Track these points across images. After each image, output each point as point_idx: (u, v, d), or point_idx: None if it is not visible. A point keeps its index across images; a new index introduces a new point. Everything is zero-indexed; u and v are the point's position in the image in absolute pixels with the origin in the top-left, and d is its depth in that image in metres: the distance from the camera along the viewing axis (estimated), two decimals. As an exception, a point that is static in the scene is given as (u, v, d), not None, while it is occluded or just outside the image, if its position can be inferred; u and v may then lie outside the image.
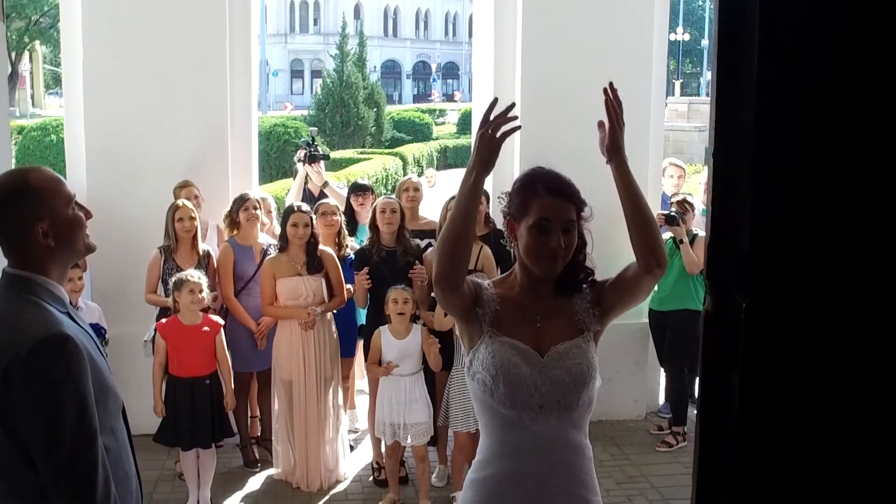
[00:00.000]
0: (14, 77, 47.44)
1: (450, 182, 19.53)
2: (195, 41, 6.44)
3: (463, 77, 78.86)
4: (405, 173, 25.63)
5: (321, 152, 7.45)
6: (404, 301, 5.36)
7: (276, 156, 24.54)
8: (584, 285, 2.57)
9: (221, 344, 5.46)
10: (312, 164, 7.28)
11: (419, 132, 34.04)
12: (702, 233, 6.53)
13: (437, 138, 33.80)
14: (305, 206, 5.75)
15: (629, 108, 7.13)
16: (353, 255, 6.12)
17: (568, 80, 6.71)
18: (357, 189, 6.97)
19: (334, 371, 5.75)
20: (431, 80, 71.34)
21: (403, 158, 26.06)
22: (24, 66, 48.15)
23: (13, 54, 47.06)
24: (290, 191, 7.54)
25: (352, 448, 6.31)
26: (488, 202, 6.32)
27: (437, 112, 44.77)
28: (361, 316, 6.42)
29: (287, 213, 5.64)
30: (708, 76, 63.52)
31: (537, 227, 2.43)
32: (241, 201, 5.90)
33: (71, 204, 2.23)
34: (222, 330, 5.46)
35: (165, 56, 6.40)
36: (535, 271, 2.50)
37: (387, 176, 23.39)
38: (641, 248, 2.44)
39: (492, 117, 2.33)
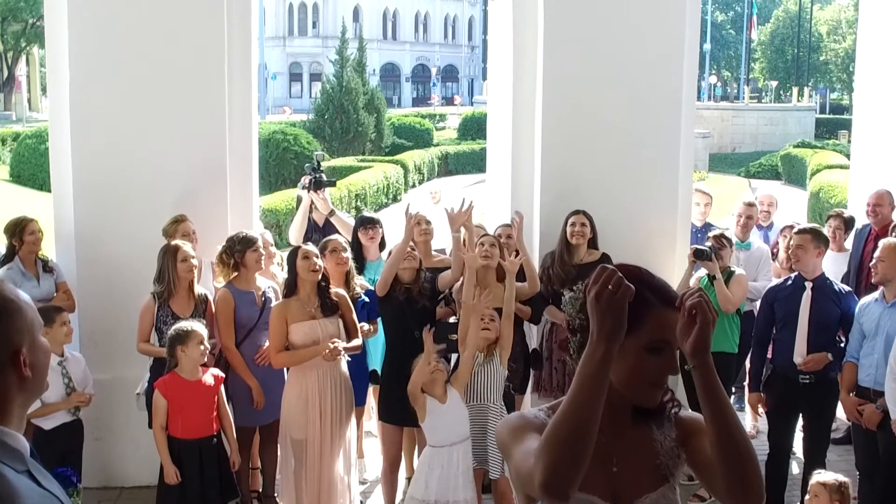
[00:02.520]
0: (10, 81, 47.11)
1: (453, 194, 19.09)
2: (190, 51, 5.96)
3: (462, 80, 78.60)
4: (406, 181, 25.24)
5: (326, 178, 6.96)
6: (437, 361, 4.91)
7: (276, 163, 24.16)
8: (670, 415, 2.08)
9: (223, 398, 5.06)
10: (318, 192, 6.80)
11: (420, 138, 33.64)
12: (739, 270, 6.06)
13: (437, 144, 33.37)
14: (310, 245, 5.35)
15: (658, 119, 6.74)
16: (364, 297, 5.71)
17: (593, 91, 6.29)
18: (365, 223, 6.44)
19: (349, 427, 5.31)
20: (431, 84, 70.95)
21: (404, 166, 25.63)
22: (21, 69, 47.72)
23: (10, 57, 46.69)
24: (293, 221, 7.01)
25: (361, 504, 5.86)
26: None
27: (438, 117, 44.37)
28: (373, 360, 5.98)
29: (293, 254, 5.16)
30: (710, 80, 63.13)
31: (651, 349, 1.94)
32: (248, 242, 5.38)
33: (42, 328, 1.81)
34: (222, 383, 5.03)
35: (158, 68, 5.92)
36: (635, 401, 2.01)
37: (388, 185, 22.96)
38: (728, 484, 1.88)
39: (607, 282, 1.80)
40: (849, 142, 34.57)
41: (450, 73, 79.20)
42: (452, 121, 43.24)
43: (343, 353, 5.10)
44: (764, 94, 59.21)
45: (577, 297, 2.03)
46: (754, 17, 54.45)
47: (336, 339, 5.06)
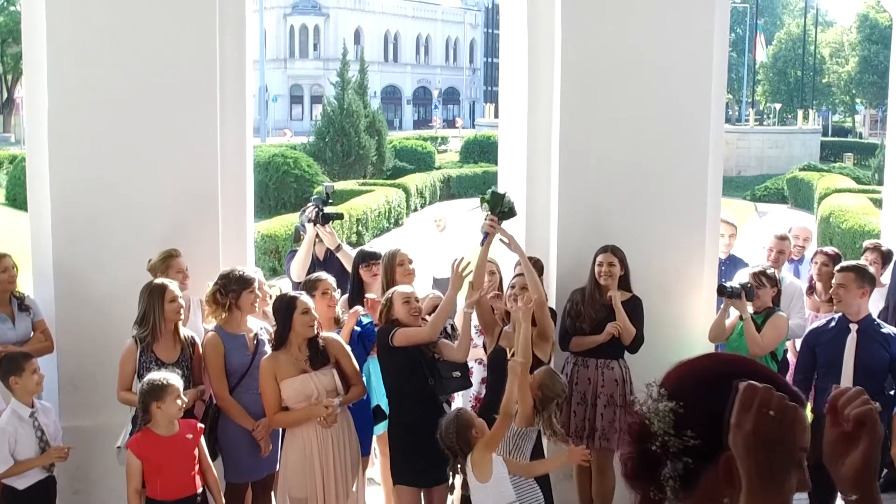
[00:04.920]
0: (10, 103, 46.88)
1: (457, 219, 18.72)
2: (180, 74, 5.57)
3: (464, 103, 78.57)
4: (408, 205, 24.83)
5: (333, 210, 6.48)
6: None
7: (275, 187, 23.79)
8: None
9: (204, 450, 4.61)
10: (325, 225, 6.32)
11: (421, 161, 33.25)
12: (780, 311, 5.55)
13: (439, 167, 32.98)
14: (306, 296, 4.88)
15: (684, 144, 6.22)
16: (355, 328, 5.29)
17: (614, 115, 5.86)
18: (367, 258, 5.92)
19: (355, 481, 4.87)
20: (433, 106, 70.82)
21: (406, 190, 25.22)
22: (21, 91, 47.50)
23: (9, 79, 46.48)
24: (296, 256, 6.42)
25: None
26: (541, 273, 5.56)
27: (439, 139, 44.03)
28: (377, 395, 5.52)
29: (288, 305, 4.69)
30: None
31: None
32: (245, 283, 4.93)
33: None
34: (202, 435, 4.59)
35: (144, 93, 5.52)
36: None
37: (389, 209, 22.55)
38: None
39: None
40: (854, 165, 34.48)
41: (451, 96, 79.09)
42: (454, 143, 42.91)
43: (341, 409, 4.67)
44: (766, 116, 58.88)
45: (669, 409, 1.48)
46: (762, 38, 53.98)
47: (330, 400, 4.62)
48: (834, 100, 62.05)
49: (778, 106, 57.37)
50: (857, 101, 61.68)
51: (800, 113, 43.16)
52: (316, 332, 4.68)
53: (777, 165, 35.02)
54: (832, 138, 47.09)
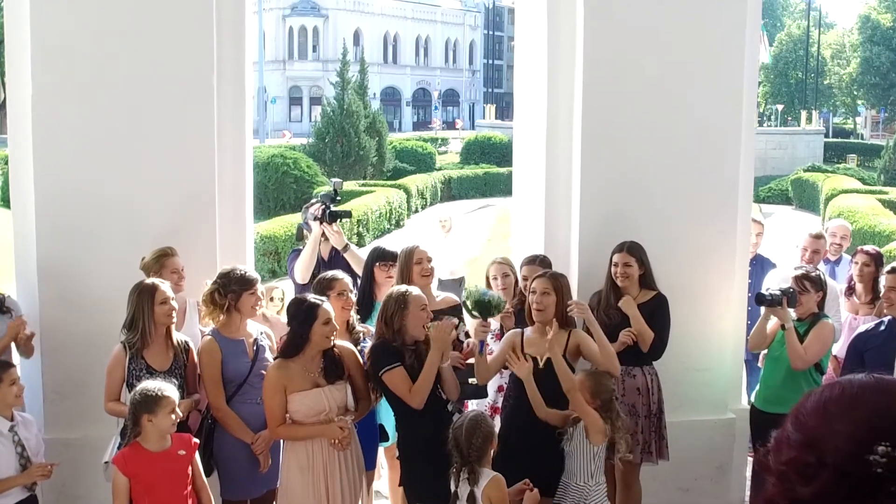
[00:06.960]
0: (6, 103, 46.51)
1: (458, 220, 18.29)
2: (175, 75, 5.24)
3: (463, 104, 78.33)
4: (409, 206, 24.48)
5: (342, 208, 6.09)
6: None
7: (275, 188, 23.44)
8: None
9: (198, 468, 4.23)
10: (332, 224, 5.93)
11: (421, 162, 32.95)
12: (827, 318, 5.08)
13: (440, 168, 32.68)
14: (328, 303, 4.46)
15: (714, 141, 5.76)
16: (367, 340, 4.91)
17: (637, 113, 5.49)
18: (386, 257, 5.50)
19: (361, 496, 4.53)
20: (433, 108, 70.52)
21: (407, 191, 24.86)
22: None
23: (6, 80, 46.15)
24: (300, 256, 5.99)
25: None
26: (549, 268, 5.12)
27: (440, 141, 43.75)
28: (381, 414, 5.14)
29: (309, 312, 4.26)
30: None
31: None
32: (246, 283, 4.57)
33: None
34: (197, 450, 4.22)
35: (136, 91, 5.19)
36: None
37: (390, 210, 22.21)
38: None
39: None
40: (858, 166, 34.12)
41: (450, 98, 78.83)
42: (454, 145, 42.65)
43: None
44: (766, 118, 58.57)
45: None
46: (766, 39, 53.56)
47: (344, 419, 4.24)
48: (835, 101, 61.78)
49: (780, 107, 57.08)
50: (859, 102, 61.40)
51: (803, 114, 42.84)
52: (332, 343, 4.29)
53: (781, 167, 34.69)
54: (835, 139, 46.85)
